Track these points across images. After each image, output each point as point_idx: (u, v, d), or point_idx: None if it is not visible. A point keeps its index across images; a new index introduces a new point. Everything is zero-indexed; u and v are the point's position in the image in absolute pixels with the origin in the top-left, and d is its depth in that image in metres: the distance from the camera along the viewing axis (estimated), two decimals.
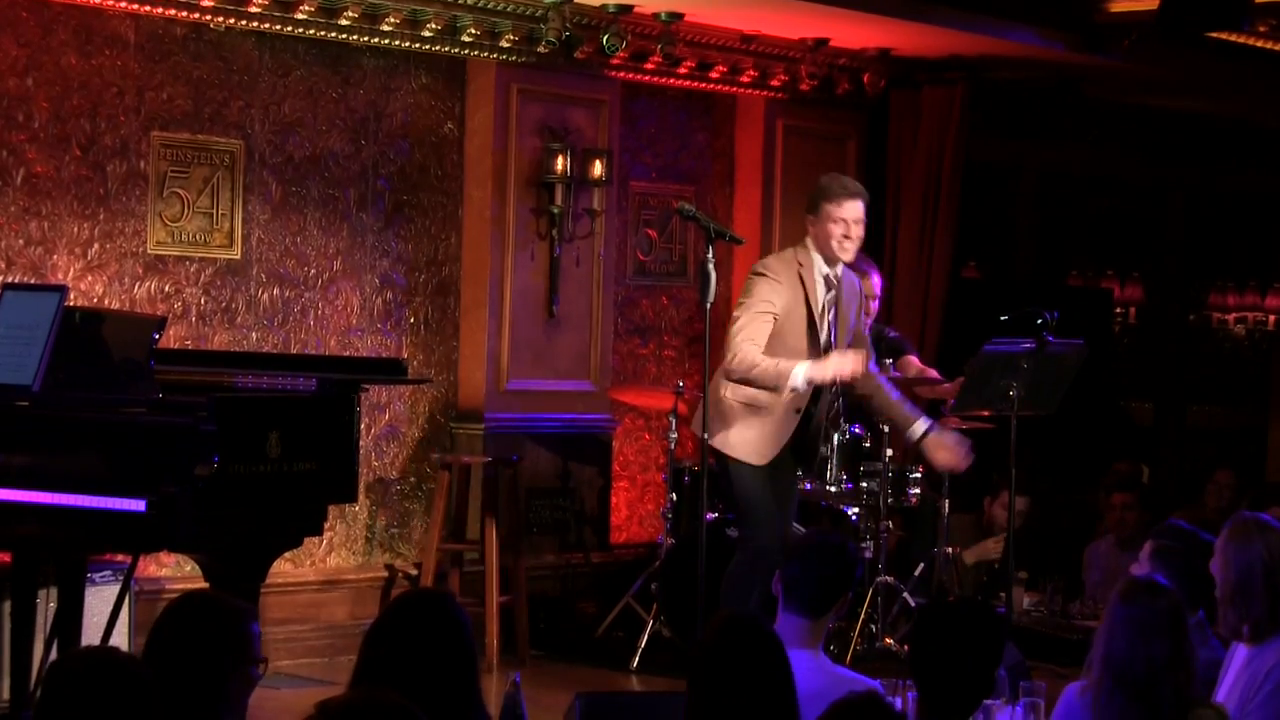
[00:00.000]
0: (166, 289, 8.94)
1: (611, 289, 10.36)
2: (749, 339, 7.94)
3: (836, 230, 8.01)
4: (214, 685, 4.29)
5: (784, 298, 8.01)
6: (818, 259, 8.06)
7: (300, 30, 9.21)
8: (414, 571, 9.56)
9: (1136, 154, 13.73)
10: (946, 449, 8.25)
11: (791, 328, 8.02)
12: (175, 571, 8.81)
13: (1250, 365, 15.28)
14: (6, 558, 7.50)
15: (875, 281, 9.80)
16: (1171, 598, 5.17)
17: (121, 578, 7.62)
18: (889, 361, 9.43)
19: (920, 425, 8.25)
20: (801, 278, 8.01)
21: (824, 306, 8.06)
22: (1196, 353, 14.95)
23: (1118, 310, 14.65)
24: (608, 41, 9.93)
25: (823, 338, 8.03)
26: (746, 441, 8.09)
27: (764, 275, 8.09)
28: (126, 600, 7.62)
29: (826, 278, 8.05)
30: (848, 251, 8.07)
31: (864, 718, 3.84)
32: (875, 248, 10.80)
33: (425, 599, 4.69)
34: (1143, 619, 5.05)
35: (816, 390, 8.04)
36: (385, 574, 9.62)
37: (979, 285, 13.17)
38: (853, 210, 8.04)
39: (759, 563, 8.07)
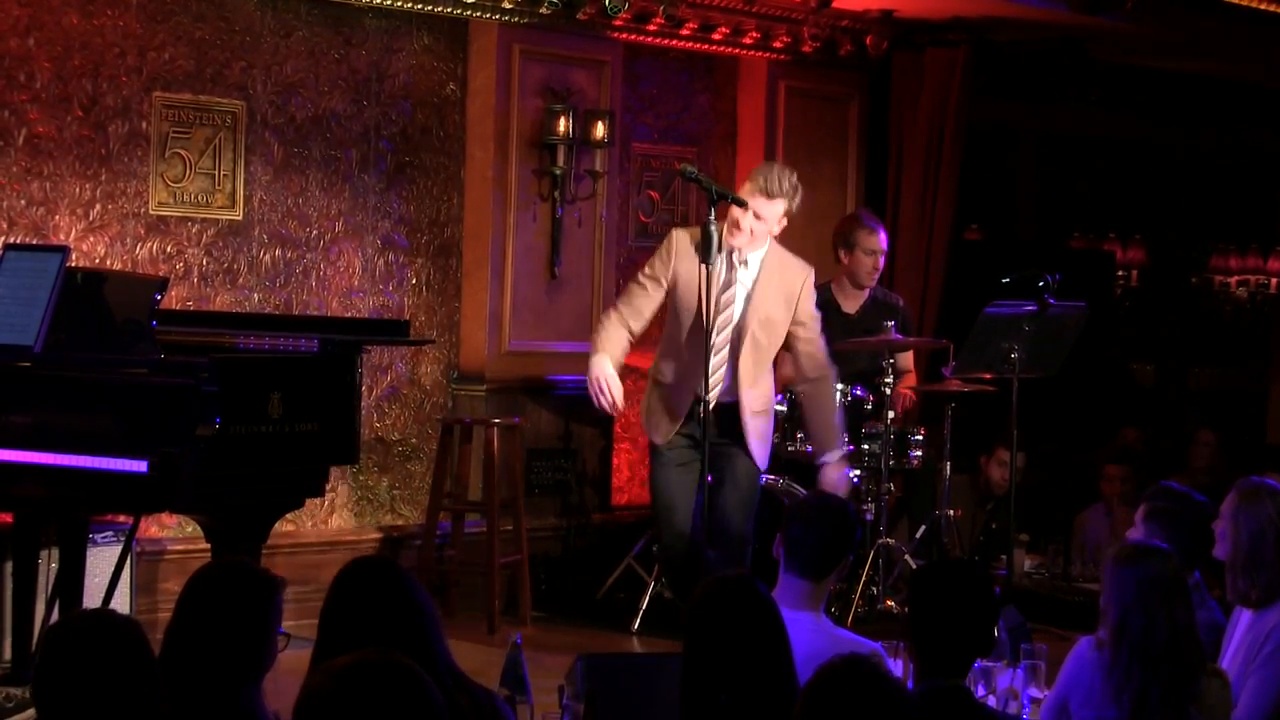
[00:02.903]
0: (168, 250, 8.93)
1: (613, 250, 10.35)
2: (617, 303, 8.50)
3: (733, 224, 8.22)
4: (247, 655, 4.29)
5: (670, 267, 8.24)
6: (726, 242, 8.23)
7: None
8: (400, 535, 9.57)
9: (1139, 116, 13.71)
10: (833, 486, 8.38)
11: (683, 300, 8.25)
12: (177, 533, 8.82)
13: (1252, 328, 15.28)
14: (8, 518, 7.50)
15: (881, 238, 9.83)
16: (1175, 561, 5.20)
17: (123, 539, 7.62)
18: (889, 324, 9.42)
19: (835, 454, 8.47)
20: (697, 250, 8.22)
21: (718, 283, 8.14)
22: (1198, 315, 14.95)
23: (1119, 272, 14.64)
24: (610, 3, 9.91)
25: (711, 319, 8.08)
26: (650, 412, 8.45)
27: (664, 241, 8.39)
28: (128, 561, 7.63)
29: (729, 256, 8.15)
30: (734, 238, 8.19)
31: (852, 680, 3.83)
32: (877, 210, 10.80)
33: (369, 566, 4.67)
34: (1156, 582, 5.07)
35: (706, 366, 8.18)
36: (394, 535, 9.61)
37: (981, 247, 13.17)
38: (762, 208, 8.21)
39: (664, 561, 8.54)
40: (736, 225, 8.20)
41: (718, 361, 8.19)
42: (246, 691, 4.29)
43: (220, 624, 4.26)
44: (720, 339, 8.18)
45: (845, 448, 8.55)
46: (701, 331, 8.10)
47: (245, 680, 4.29)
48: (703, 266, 8.09)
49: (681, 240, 8.29)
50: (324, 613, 4.55)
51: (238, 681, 4.27)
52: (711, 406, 8.14)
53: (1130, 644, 5.03)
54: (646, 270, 8.37)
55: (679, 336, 8.29)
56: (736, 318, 8.23)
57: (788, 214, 8.27)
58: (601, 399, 8.27)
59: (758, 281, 8.23)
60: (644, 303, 8.35)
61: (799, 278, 8.33)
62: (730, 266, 8.19)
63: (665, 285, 8.28)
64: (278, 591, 4.41)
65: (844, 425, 9.27)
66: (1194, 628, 5.15)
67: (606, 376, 8.25)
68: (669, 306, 8.36)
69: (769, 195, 8.19)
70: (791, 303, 8.30)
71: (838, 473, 8.46)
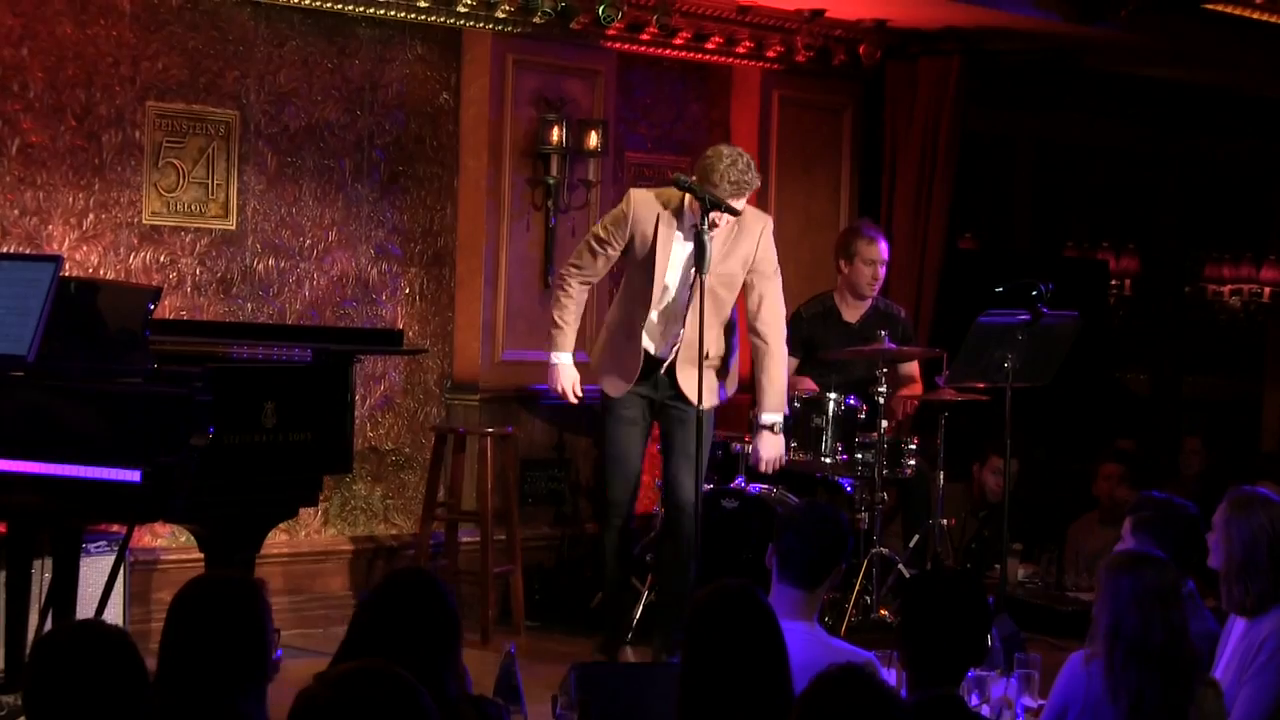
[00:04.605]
0: (162, 259, 8.93)
1: None
2: (570, 263, 8.69)
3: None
4: (243, 664, 4.28)
5: (626, 233, 8.44)
6: (687, 212, 8.39)
7: (296, 0, 9.19)
8: (394, 545, 9.56)
9: (1133, 125, 13.72)
10: (772, 450, 8.63)
11: (642, 263, 8.44)
12: (170, 542, 8.81)
13: (1245, 337, 15.29)
14: (2, 528, 7.50)
15: (881, 248, 9.85)
16: (1171, 569, 5.20)
17: (117, 548, 7.61)
18: (883, 333, 9.44)
19: (772, 417, 8.62)
20: (659, 219, 8.38)
21: (671, 251, 8.35)
22: (1192, 324, 14.96)
23: (1113, 282, 14.66)
24: (603, 12, 9.92)
25: (657, 282, 8.36)
26: (603, 362, 8.73)
27: (621, 204, 8.59)
28: (122, 571, 7.62)
29: (694, 228, 8.25)
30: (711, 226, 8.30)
31: (847, 690, 3.83)
32: (872, 219, 10.80)
33: (417, 577, 4.68)
34: (1152, 588, 5.08)
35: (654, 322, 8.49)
36: (388, 544, 9.60)
37: (975, 256, 13.18)
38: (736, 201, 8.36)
39: (605, 510, 8.81)
40: (714, 224, 8.29)
41: (681, 323, 8.37)
42: (247, 699, 4.28)
43: (212, 639, 4.24)
44: (690, 304, 8.33)
45: (785, 413, 8.71)
46: (662, 297, 8.40)
47: (243, 688, 4.28)
48: (663, 231, 8.34)
49: (639, 202, 8.45)
50: (361, 611, 4.55)
51: (235, 690, 4.26)
52: (669, 363, 8.46)
53: (1125, 646, 5.02)
54: (600, 234, 8.56)
55: (637, 298, 8.50)
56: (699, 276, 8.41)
57: (753, 190, 8.54)
58: (567, 398, 8.80)
59: (716, 240, 8.36)
60: (600, 263, 8.61)
61: (756, 227, 8.52)
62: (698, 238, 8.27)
63: (619, 250, 8.51)
64: (261, 595, 4.39)
65: (838, 433, 9.29)
66: (1188, 632, 5.16)
67: (573, 384, 8.74)
68: (628, 262, 8.54)
69: (738, 196, 8.35)
70: (749, 255, 8.48)
71: (774, 441, 8.62)
